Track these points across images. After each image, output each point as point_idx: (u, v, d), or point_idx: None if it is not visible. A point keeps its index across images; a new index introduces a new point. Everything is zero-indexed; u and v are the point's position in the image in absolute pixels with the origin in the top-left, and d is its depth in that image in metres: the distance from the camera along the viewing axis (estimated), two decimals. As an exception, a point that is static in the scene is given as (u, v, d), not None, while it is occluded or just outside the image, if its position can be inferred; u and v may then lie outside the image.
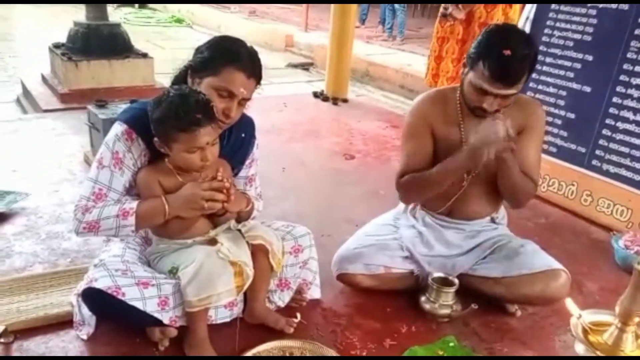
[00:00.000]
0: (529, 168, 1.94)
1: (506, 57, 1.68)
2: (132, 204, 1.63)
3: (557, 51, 3.02)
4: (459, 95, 1.94)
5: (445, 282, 1.95)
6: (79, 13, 5.03)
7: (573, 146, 2.98)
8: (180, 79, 1.73)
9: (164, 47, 8.13)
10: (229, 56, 1.63)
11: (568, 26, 2.96)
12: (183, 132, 1.54)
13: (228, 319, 1.82)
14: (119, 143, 1.65)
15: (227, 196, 1.63)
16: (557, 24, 3.02)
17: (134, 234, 1.67)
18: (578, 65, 2.93)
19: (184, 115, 1.53)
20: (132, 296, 1.59)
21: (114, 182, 1.65)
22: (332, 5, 4.95)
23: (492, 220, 2.09)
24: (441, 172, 1.88)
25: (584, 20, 2.90)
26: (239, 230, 1.79)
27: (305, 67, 7.81)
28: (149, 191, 1.66)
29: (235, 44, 1.67)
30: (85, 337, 1.73)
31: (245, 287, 1.70)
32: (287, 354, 1.73)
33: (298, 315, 1.89)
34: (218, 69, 1.62)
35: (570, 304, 1.88)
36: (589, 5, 2.88)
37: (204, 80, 1.64)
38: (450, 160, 1.85)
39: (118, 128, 1.67)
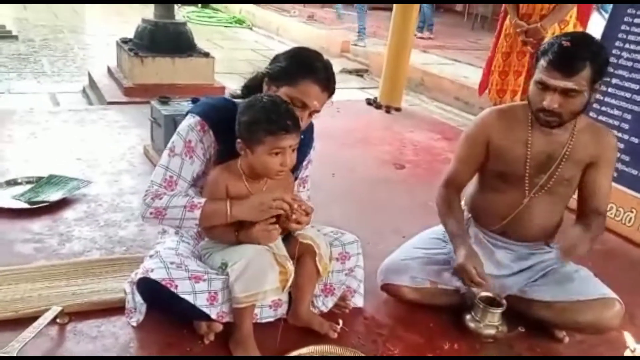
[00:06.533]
0: (600, 201, 1.91)
1: (565, 47, 1.70)
2: (201, 199, 1.68)
3: (625, 73, 2.92)
4: (530, 111, 1.91)
5: (492, 302, 1.91)
6: (145, 10, 5.21)
7: (634, 172, 2.87)
8: (255, 83, 1.79)
9: (223, 47, 8.31)
10: (307, 69, 1.67)
11: (638, 48, 2.86)
12: (271, 134, 1.60)
13: (272, 319, 1.84)
14: (192, 132, 1.71)
15: (291, 213, 1.67)
16: (627, 45, 2.92)
17: (196, 227, 1.71)
18: (646, 89, 2.83)
19: (275, 120, 1.59)
20: (184, 289, 1.64)
21: (184, 170, 1.71)
22: (393, 13, 4.94)
23: (546, 244, 2.04)
24: (449, 232, 1.99)
25: (656, 42, 2.79)
26: None
27: (359, 73, 7.81)
28: (215, 190, 1.70)
29: (313, 57, 1.72)
30: (135, 324, 1.79)
31: (289, 284, 1.72)
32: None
33: (340, 322, 1.91)
34: (296, 80, 1.66)
35: (627, 336, 1.81)
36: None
37: (281, 89, 1.69)
38: (457, 239, 1.94)
39: (191, 119, 1.73)
